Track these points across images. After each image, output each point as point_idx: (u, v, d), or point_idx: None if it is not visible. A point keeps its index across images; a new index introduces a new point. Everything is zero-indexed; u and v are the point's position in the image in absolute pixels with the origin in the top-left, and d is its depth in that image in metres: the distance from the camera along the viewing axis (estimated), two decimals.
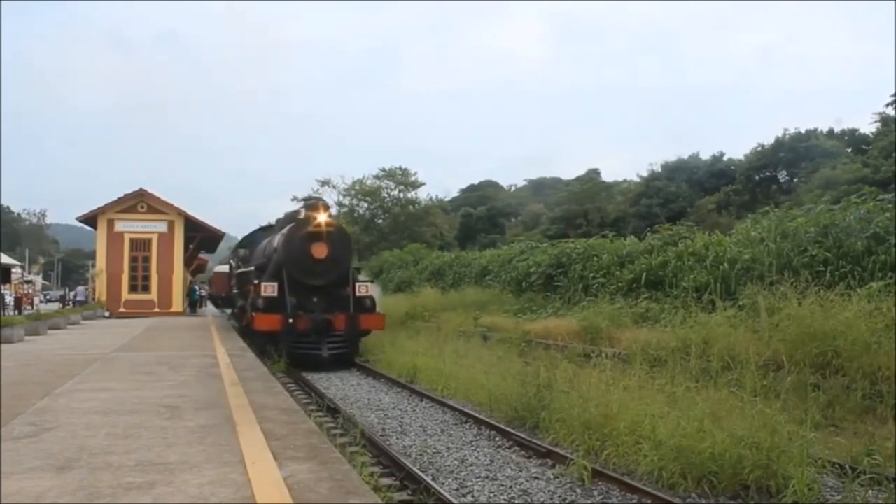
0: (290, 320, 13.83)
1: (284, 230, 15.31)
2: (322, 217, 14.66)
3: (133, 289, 27.46)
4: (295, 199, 44.95)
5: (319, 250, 14.61)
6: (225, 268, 43.59)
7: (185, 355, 10.90)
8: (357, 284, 15.14)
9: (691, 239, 17.58)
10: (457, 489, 5.71)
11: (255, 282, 15.13)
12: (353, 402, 10.38)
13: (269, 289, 14.37)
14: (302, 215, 15.72)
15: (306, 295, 14.61)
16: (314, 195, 43.08)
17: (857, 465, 5.80)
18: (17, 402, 6.30)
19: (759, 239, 14.73)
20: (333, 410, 8.98)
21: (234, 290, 21.95)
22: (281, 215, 22.64)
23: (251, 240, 21.88)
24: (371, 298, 15.33)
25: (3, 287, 29.60)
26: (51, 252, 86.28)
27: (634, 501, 5.38)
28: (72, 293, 36.32)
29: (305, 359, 13.92)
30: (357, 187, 52.67)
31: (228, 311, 32.08)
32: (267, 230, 20.29)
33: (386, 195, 53.33)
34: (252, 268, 17.20)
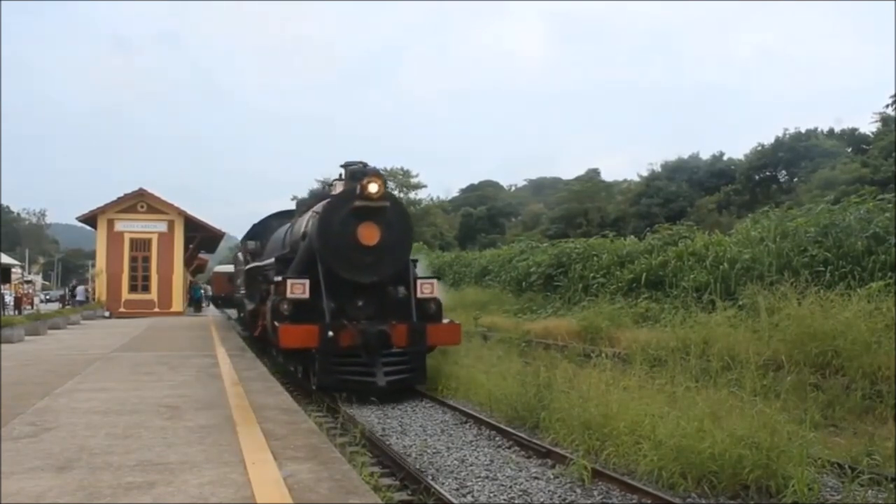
0: (331, 333, 9.60)
1: (318, 207, 10.98)
2: (374, 187, 10.03)
3: (133, 289, 27.45)
4: (294, 198, 44.74)
5: (370, 233, 10.21)
6: (225, 267, 43.61)
7: (185, 355, 10.91)
8: (419, 282, 10.82)
9: (691, 239, 17.59)
10: (457, 489, 5.71)
11: (277, 279, 10.84)
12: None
13: (299, 288, 10.19)
14: (338, 189, 11.38)
15: (349, 297, 10.43)
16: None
17: (856, 465, 5.80)
18: (17, 402, 6.30)
19: (759, 239, 14.73)
20: (333, 410, 8.97)
21: (242, 291, 17.99)
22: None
23: (263, 229, 17.45)
24: (437, 302, 11.05)
25: (3, 287, 29.59)
26: (51, 252, 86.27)
27: (634, 501, 5.38)
28: (66, 289, 36.30)
29: (347, 386, 9.71)
30: None
31: (228, 311, 32.13)
32: (284, 217, 16.35)
33: None
34: (272, 259, 12.44)
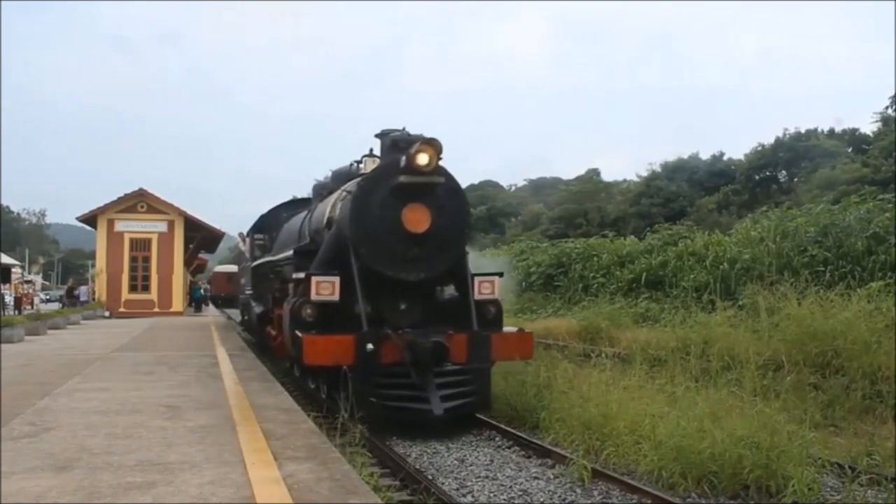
0: (370, 346, 7.42)
1: (350, 186, 8.68)
2: (424, 157, 7.67)
3: (133, 289, 27.46)
4: (295, 198, 44.49)
5: (418, 218, 7.95)
6: (225, 267, 43.59)
7: (185, 355, 10.90)
8: (477, 280, 8.51)
9: (691, 239, 17.62)
10: (457, 489, 5.71)
11: (298, 275, 8.77)
12: None
13: (326, 288, 7.95)
14: (369, 168, 9.15)
15: (389, 299, 8.27)
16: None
17: (856, 465, 5.81)
18: (17, 402, 6.30)
19: (759, 239, 14.75)
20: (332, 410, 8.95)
21: (248, 290, 15.65)
22: None
23: (272, 220, 14.74)
24: (498, 305, 8.83)
25: (3, 287, 29.59)
26: (51, 252, 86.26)
27: (634, 501, 5.38)
28: (65, 289, 36.31)
29: (390, 416, 7.51)
30: None
31: (228, 311, 32.13)
32: (297, 206, 13.91)
33: None
34: (289, 252, 10.12)
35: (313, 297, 7.95)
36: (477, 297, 8.45)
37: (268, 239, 14.64)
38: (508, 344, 8.30)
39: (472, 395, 7.86)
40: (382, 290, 8.22)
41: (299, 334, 7.88)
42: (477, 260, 11.55)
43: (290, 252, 9.86)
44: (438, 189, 8.11)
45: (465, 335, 7.97)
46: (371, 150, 9.46)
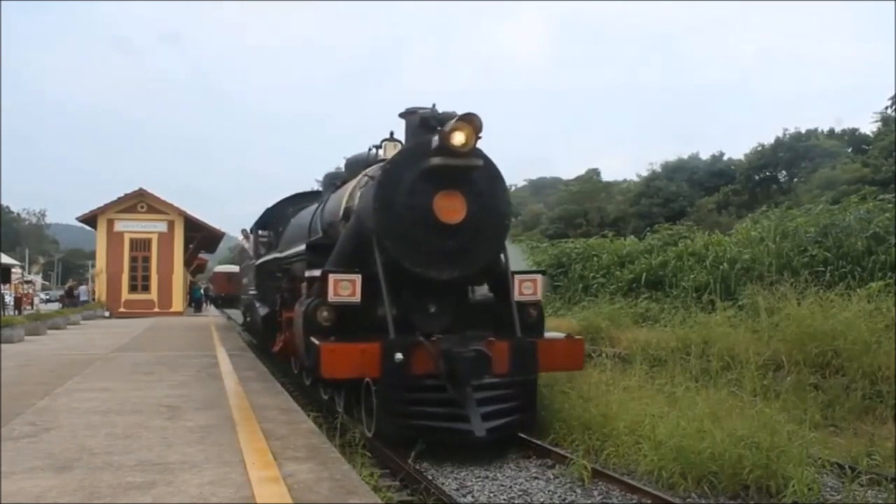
0: (399, 355, 6.41)
1: (373, 171, 7.66)
2: (460, 137, 6.66)
3: (133, 289, 27.50)
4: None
5: (452, 207, 6.93)
6: (225, 267, 43.54)
7: (185, 355, 10.91)
8: (517, 279, 7.45)
9: (691, 239, 17.61)
10: (457, 489, 5.71)
11: (312, 273, 7.63)
12: None
13: (346, 287, 6.90)
14: (390, 153, 8.12)
15: (417, 300, 7.22)
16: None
17: (856, 465, 5.81)
18: (17, 402, 6.31)
19: (759, 239, 14.75)
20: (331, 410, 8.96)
21: (251, 290, 14.40)
22: None
23: (277, 216, 13.59)
24: (539, 308, 7.81)
25: (3, 287, 29.60)
26: (51, 252, 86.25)
27: (634, 501, 5.37)
28: (64, 289, 36.34)
29: (424, 436, 6.33)
30: None
31: (228, 311, 32.09)
32: (304, 199, 12.80)
33: None
34: (301, 247, 8.94)
35: (331, 297, 6.86)
36: (520, 297, 7.39)
37: (272, 235, 13.51)
38: (556, 353, 7.20)
39: (516, 413, 6.79)
40: (409, 290, 7.10)
41: (315, 342, 6.72)
42: None
43: (302, 247, 8.80)
44: (475, 174, 7.07)
45: (508, 343, 6.89)
46: (391, 133, 8.52)
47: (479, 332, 6.95)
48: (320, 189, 12.40)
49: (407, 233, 6.97)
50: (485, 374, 6.56)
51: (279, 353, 10.05)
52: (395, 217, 6.98)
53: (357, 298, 6.91)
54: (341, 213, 8.17)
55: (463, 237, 7.04)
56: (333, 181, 10.14)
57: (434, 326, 7.02)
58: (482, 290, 7.77)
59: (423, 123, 7.31)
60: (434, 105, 7.49)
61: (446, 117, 7.03)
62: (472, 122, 6.66)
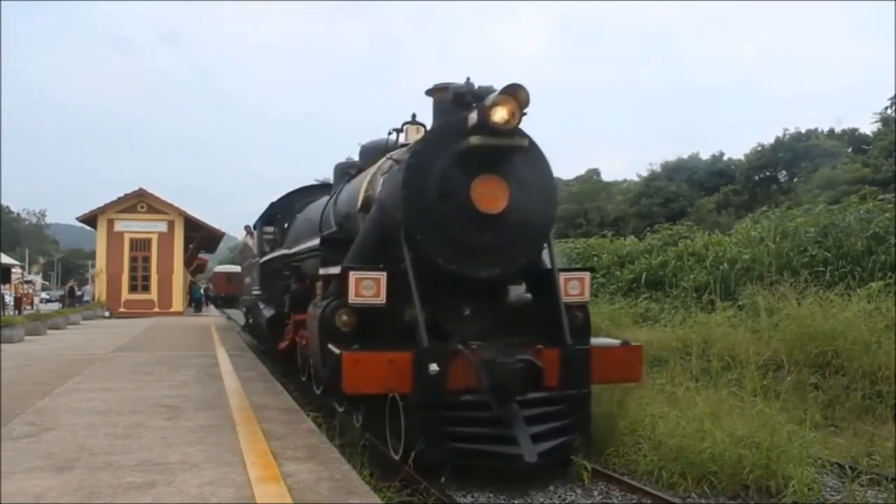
0: (434, 366, 5.48)
1: (399, 154, 6.81)
2: (502, 113, 5.75)
3: (133, 289, 27.51)
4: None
5: (492, 194, 6.01)
6: (225, 267, 43.53)
7: (185, 355, 10.91)
8: (563, 277, 6.56)
9: (691, 239, 17.62)
10: (456, 489, 5.71)
11: (329, 270, 6.66)
12: None
13: (369, 287, 5.99)
14: (412, 137, 7.27)
15: (449, 302, 6.31)
16: None
17: (856, 465, 5.81)
18: (17, 402, 6.31)
19: (759, 239, 14.76)
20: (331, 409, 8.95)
21: (254, 290, 13.44)
22: None
23: (282, 211, 12.54)
24: (586, 310, 6.93)
25: (3, 287, 29.61)
26: (51, 252, 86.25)
27: (634, 501, 5.37)
28: (65, 289, 36.36)
29: (465, 462, 5.62)
30: None
31: (228, 311, 32.08)
32: (312, 192, 12.09)
33: None
34: (314, 241, 7.90)
35: (351, 299, 5.93)
36: (567, 298, 6.49)
37: (277, 232, 12.47)
38: (612, 362, 6.21)
39: (569, 433, 5.87)
40: (440, 290, 6.15)
41: (335, 350, 5.71)
42: None
43: (314, 241, 7.87)
44: (517, 157, 6.13)
45: (557, 351, 5.98)
46: (413, 115, 7.66)
47: (519, 337, 6.14)
48: (323, 182, 11.75)
49: (439, 224, 6.07)
50: (537, 389, 5.73)
51: (283, 352, 9.65)
52: (427, 206, 6.07)
53: (382, 300, 6.00)
54: (359, 203, 7.27)
55: (504, 229, 6.13)
56: (347, 170, 9.15)
57: (468, 332, 6.18)
58: (517, 291, 6.70)
59: (457, 100, 6.33)
60: (468, 79, 6.45)
61: (484, 92, 6.11)
62: (516, 96, 5.73)
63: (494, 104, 5.70)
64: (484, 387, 5.52)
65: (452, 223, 6.05)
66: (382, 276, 6.00)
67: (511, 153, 6.05)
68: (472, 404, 5.63)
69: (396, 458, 5.78)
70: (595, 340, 6.76)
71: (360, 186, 7.52)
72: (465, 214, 5.99)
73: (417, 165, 6.13)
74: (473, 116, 5.85)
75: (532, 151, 6.35)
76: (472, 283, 6.23)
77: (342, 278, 6.10)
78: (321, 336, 6.27)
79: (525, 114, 5.80)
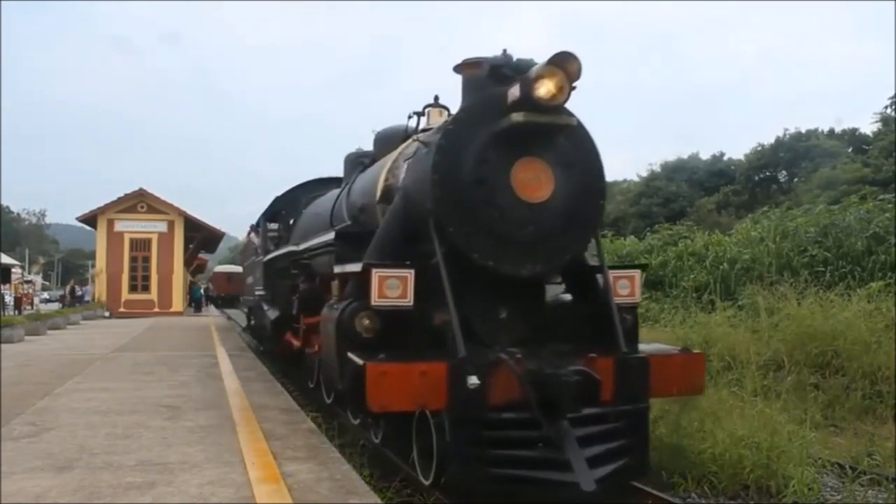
0: (474, 379, 4.48)
1: (426, 136, 5.84)
2: (548, 86, 4.79)
3: (133, 289, 27.50)
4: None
5: (536, 179, 5.15)
6: (225, 267, 43.53)
7: (185, 355, 10.90)
8: (612, 276, 5.71)
9: (691, 239, 17.64)
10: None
11: (347, 268, 5.65)
12: None
13: (395, 287, 5.04)
14: (435, 121, 6.51)
15: (484, 303, 5.41)
16: None
17: (856, 465, 5.81)
18: (17, 402, 6.30)
19: (759, 239, 14.77)
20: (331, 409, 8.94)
21: (257, 290, 12.81)
22: None
23: (287, 206, 11.62)
24: (635, 312, 5.98)
25: (3, 287, 29.61)
26: (51, 252, 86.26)
27: (634, 501, 5.37)
28: (65, 289, 36.37)
29: (509, 489, 4.60)
30: None
31: (228, 311, 32.09)
32: (319, 185, 11.03)
33: None
34: (329, 235, 6.78)
35: (374, 300, 5.06)
36: (619, 299, 5.69)
37: (282, 228, 11.58)
38: (672, 372, 5.30)
39: (626, 454, 4.97)
40: (473, 290, 5.34)
41: (357, 360, 4.77)
42: None
43: (328, 236, 6.87)
44: (562, 139, 5.32)
45: (611, 360, 5.11)
46: (436, 97, 6.86)
47: (561, 344, 5.34)
48: (329, 177, 10.91)
49: (474, 214, 5.21)
50: (592, 404, 4.83)
51: (285, 354, 9.28)
52: (460, 194, 5.23)
53: (409, 301, 5.14)
54: (378, 193, 6.46)
55: (548, 221, 5.28)
56: (361, 160, 8.31)
57: (504, 337, 5.39)
58: (554, 291, 6.07)
59: (493, 74, 5.53)
60: (505, 50, 5.62)
61: (524, 65, 5.32)
62: (565, 67, 4.84)
63: (540, 76, 4.87)
64: (531, 402, 4.67)
65: (490, 213, 5.19)
66: (410, 274, 5.14)
67: (557, 133, 5.25)
68: (515, 422, 4.76)
69: (427, 483, 5.08)
70: (646, 347, 5.92)
71: (378, 174, 6.70)
72: (505, 203, 5.16)
73: (450, 147, 5.26)
74: (515, 91, 5.02)
75: (579, 132, 5.55)
76: (511, 282, 5.39)
77: (364, 276, 5.24)
78: (338, 343, 5.37)
79: (574, 87, 4.95)
